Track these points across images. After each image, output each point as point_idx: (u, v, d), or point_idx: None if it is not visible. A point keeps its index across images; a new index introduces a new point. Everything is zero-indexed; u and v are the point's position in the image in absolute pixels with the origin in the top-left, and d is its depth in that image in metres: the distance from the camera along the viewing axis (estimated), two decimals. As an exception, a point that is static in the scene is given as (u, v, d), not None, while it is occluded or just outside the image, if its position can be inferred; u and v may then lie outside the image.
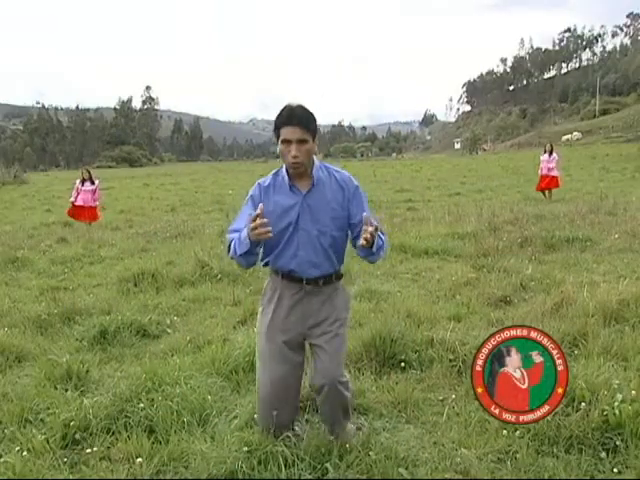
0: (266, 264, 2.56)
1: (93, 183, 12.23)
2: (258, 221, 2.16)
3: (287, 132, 2.28)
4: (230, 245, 2.43)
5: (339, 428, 2.59)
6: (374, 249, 2.31)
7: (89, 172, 12.60)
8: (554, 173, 13.91)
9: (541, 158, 14.31)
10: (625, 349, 3.61)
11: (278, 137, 2.34)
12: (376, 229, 2.24)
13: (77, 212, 12.21)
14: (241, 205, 2.59)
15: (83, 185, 12.20)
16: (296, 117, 2.28)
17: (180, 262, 7.24)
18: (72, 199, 12.25)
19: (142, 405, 2.97)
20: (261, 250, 2.44)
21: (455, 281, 5.71)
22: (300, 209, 2.40)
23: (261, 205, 2.21)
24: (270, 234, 2.19)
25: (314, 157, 2.43)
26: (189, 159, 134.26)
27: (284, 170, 2.44)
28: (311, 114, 2.33)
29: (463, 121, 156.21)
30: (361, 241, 2.24)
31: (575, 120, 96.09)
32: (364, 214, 2.26)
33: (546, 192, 14.00)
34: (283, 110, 2.31)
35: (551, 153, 14.11)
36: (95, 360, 4.00)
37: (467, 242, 7.84)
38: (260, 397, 2.58)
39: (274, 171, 2.51)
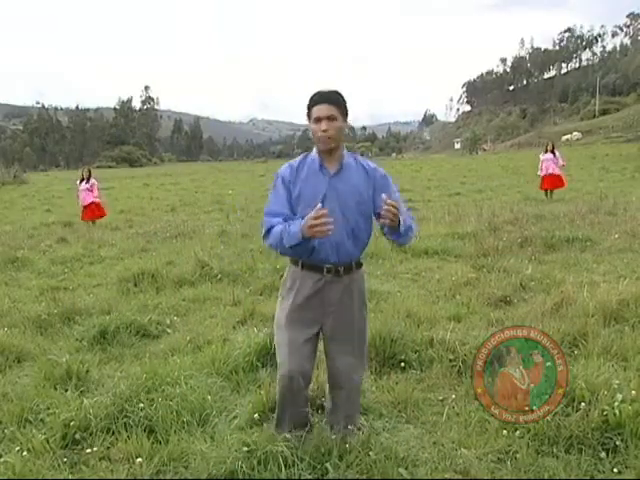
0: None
1: (88, 181, 12.39)
2: (319, 220, 2.16)
3: (318, 110, 2.37)
4: (269, 231, 2.39)
5: (345, 429, 2.60)
6: (402, 229, 2.31)
7: (89, 171, 12.74)
8: (558, 172, 13.82)
9: (542, 157, 14.18)
10: (625, 349, 3.61)
11: (310, 119, 2.41)
12: (395, 207, 2.22)
13: (88, 213, 12.51)
14: (272, 185, 2.54)
15: (81, 184, 12.38)
16: (326, 96, 2.38)
17: (180, 262, 7.24)
18: (81, 203, 12.53)
19: (142, 405, 2.97)
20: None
21: (455, 281, 5.71)
22: (327, 190, 2.41)
23: (320, 205, 2.22)
24: (330, 232, 2.20)
25: (344, 144, 2.48)
26: (189, 159, 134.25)
27: (314, 152, 2.49)
28: (341, 95, 2.41)
29: (463, 121, 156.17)
30: (384, 220, 2.24)
31: (575, 120, 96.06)
32: (383, 195, 2.25)
33: (549, 192, 13.94)
34: (314, 93, 2.41)
35: (553, 152, 14.03)
36: (95, 360, 4.00)
37: (467, 242, 7.85)
38: (279, 387, 2.57)
39: (304, 154, 2.55)
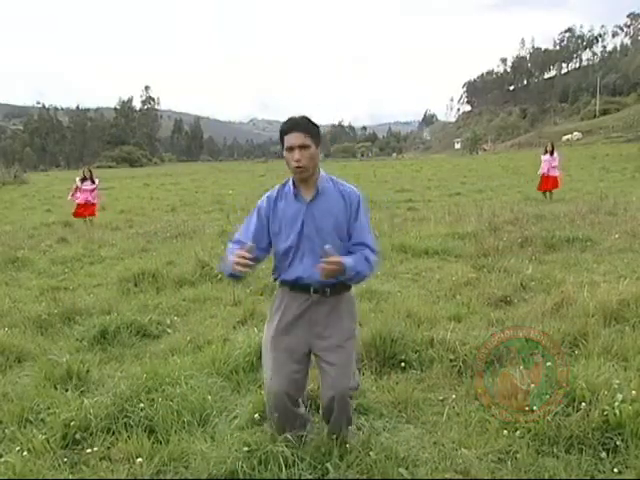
0: (276, 278, 2.58)
1: (93, 182, 12.42)
2: (242, 260, 2.25)
3: (290, 138, 2.36)
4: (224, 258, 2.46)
5: (341, 434, 2.59)
6: (349, 275, 2.35)
7: (90, 171, 12.76)
8: (555, 173, 13.87)
9: (542, 158, 14.19)
10: (625, 349, 3.61)
11: (283, 147, 2.41)
12: (333, 262, 2.25)
13: (79, 211, 12.49)
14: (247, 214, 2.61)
15: (83, 184, 12.38)
16: (298, 124, 2.37)
17: (180, 262, 7.25)
18: (70, 197, 12.54)
19: (142, 405, 2.97)
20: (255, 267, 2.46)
21: (455, 281, 5.71)
22: (304, 217, 2.43)
23: (250, 244, 2.32)
24: (245, 273, 2.29)
25: (320, 169, 2.48)
26: (189, 159, 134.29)
27: (290, 180, 2.49)
28: (313, 122, 2.41)
29: (463, 121, 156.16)
30: (321, 273, 2.29)
31: (575, 120, 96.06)
32: (326, 247, 2.28)
33: (547, 193, 13.97)
34: (286, 121, 2.41)
35: (552, 153, 14.06)
36: (95, 360, 4.00)
37: (467, 242, 7.84)
38: (267, 404, 2.61)
39: (282, 182, 2.55)
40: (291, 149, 2.36)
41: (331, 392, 2.48)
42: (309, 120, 2.40)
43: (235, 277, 2.41)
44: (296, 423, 2.59)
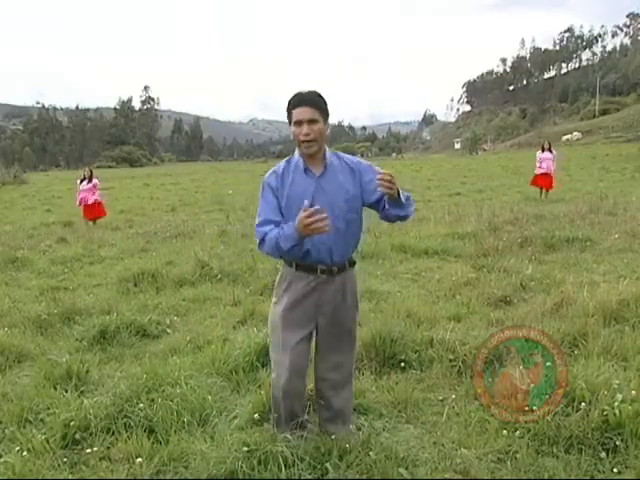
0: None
1: (91, 181, 12.43)
2: (314, 217, 2.16)
3: (298, 113, 2.34)
4: (264, 240, 2.40)
5: (339, 433, 2.60)
6: (403, 198, 2.30)
7: (90, 171, 12.78)
8: (550, 171, 13.84)
9: (540, 156, 14.12)
10: (625, 349, 3.61)
11: (290, 121, 2.39)
12: (392, 175, 2.21)
13: (87, 211, 12.55)
14: (258, 195, 2.54)
15: (81, 184, 12.41)
16: (306, 99, 2.35)
17: (180, 262, 7.24)
18: (77, 202, 12.56)
19: (142, 405, 2.97)
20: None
21: (455, 281, 5.71)
22: (315, 191, 2.41)
23: (306, 203, 2.21)
24: (328, 228, 2.19)
25: (325, 146, 2.46)
26: (189, 159, 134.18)
27: (297, 156, 2.48)
28: (321, 96, 2.38)
29: (463, 121, 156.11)
30: (383, 188, 2.21)
31: (575, 120, 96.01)
32: (377, 169, 2.26)
33: (542, 190, 13.96)
34: (294, 95, 2.38)
35: (551, 150, 14.05)
36: (95, 360, 4.00)
37: (467, 242, 7.84)
38: (274, 387, 2.60)
39: (286, 159, 2.54)
40: (300, 123, 2.33)
41: (330, 365, 2.53)
42: (318, 94, 2.38)
43: (296, 247, 2.31)
44: (297, 407, 2.59)
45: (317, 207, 2.20)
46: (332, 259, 2.45)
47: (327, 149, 2.48)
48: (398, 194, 2.27)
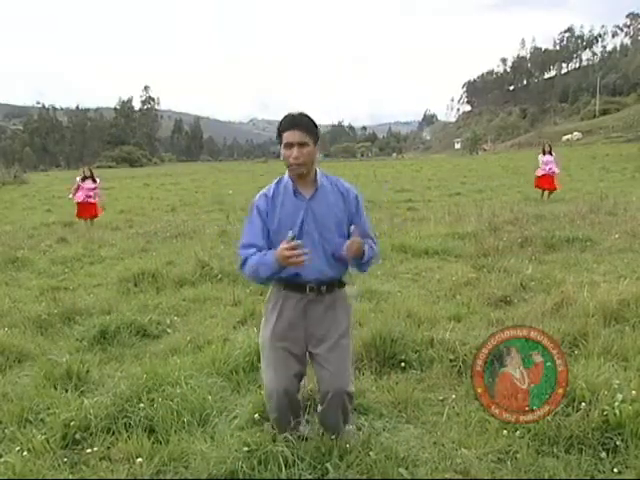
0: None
1: (95, 181, 12.42)
2: (293, 251, 2.22)
3: (288, 136, 2.35)
4: (245, 263, 2.43)
5: (338, 433, 2.59)
6: (364, 259, 2.43)
7: (91, 171, 12.76)
8: (553, 173, 13.89)
9: (542, 159, 14.15)
10: (625, 349, 3.61)
11: (280, 143, 2.40)
12: (359, 242, 2.34)
13: (80, 211, 12.45)
14: (246, 215, 2.58)
15: (84, 182, 12.37)
16: (297, 122, 2.36)
17: (180, 262, 7.25)
18: (71, 195, 12.53)
19: (142, 405, 2.97)
20: None
21: (455, 281, 5.71)
22: (304, 214, 2.42)
23: (292, 232, 2.28)
24: (306, 262, 2.26)
25: (316, 167, 2.47)
26: (189, 159, 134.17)
27: (287, 177, 2.48)
28: (312, 120, 2.40)
29: (463, 121, 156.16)
30: (347, 253, 2.33)
31: (575, 120, 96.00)
32: (352, 226, 2.36)
33: (545, 192, 13.99)
34: (285, 117, 2.40)
35: (551, 153, 14.08)
36: (95, 360, 4.00)
37: (467, 242, 7.84)
38: (267, 404, 2.63)
39: (276, 180, 2.53)
40: (290, 146, 2.35)
41: (327, 390, 2.49)
42: (308, 118, 2.39)
43: (276, 275, 2.39)
44: (294, 422, 2.59)
45: (298, 242, 2.24)
46: (320, 279, 2.45)
47: (318, 171, 2.49)
48: (362, 256, 2.40)
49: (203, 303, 5.53)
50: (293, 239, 2.25)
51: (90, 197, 12.39)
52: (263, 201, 2.48)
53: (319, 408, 2.70)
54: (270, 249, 2.39)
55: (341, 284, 2.56)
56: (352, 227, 2.36)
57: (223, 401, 3.22)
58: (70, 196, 12.75)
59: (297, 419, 2.64)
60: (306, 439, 2.57)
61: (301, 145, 2.34)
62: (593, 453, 2.53)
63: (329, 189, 2.48)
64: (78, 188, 12.40)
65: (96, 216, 12.66)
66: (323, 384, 2.52)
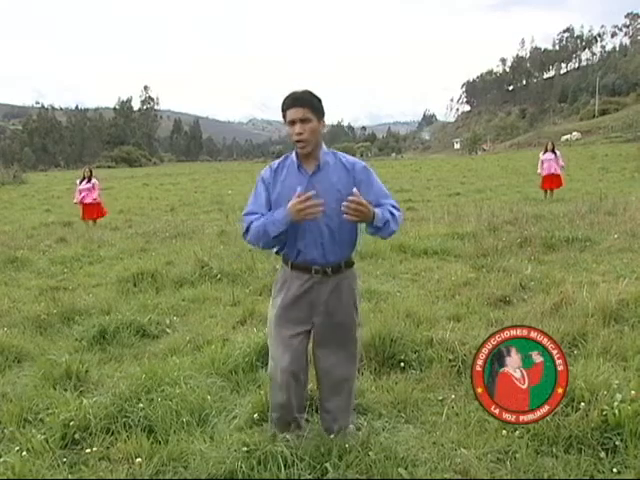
0: (278, 251, 2.56)
1: (90, 181, 12.45)
2: (307, 202, 2.21)
3: (291, 113, 2.36)
4: (249, 228, 2.43)
5: (340, 433, 2.59)
6: (378, 223, 2.32)
7: (90, 171, 12.78)
8: (559, 171, 13.88)
9: (542, 157, 14.13)
10: (624, 349, 3.61)
11: (285, 121, 2.41)
12: (360, 203, 2.22)
13: (87, 212, 12.52)
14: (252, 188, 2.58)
15: (81, 184, 12.42)
16: (299, 98, 2.37)
17: (179, 262, 7.24)
18: (75, 200, 12.55)
19: (141, 405, 2.97)
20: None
21: (455, 281, 5.71)
22: (305, 189, 2.38)
23: (300, 188, 2.29)
24: (320, 214, 2.25)
25: (322, 143, 2.47)
26: (188, 159, 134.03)
27: (293, 153, 2.49)
28: (314, 95, 2.39)
29: (463, 121, 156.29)
30: (347, 217, 2.26)
31: (574, 120, 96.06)
32: (354, 189, 2.27)
33: (548, 192, 13.98)
34: (287, 95, 2.39)
35: (554, 151, 14.06)
36: (94, 360, 4.00)
37: (467, 242, 7.84)
38: (272, 385, 2.61)
39: (284, 155, 2.56)
40: (293, 123, 2.35)
41: (325, 366, 2.53)
42: (311, 93, 2.39)
43: (280, 237, 2.37)
44: (293, 406, 2.59)
45: (310, 193, 2.24)
46: (326, 259, 2.44)
47: (324, 147, 2.48)
48: (373, 218, 2.29)
49: (202, 303, 5.53)
50: (306, 197, 2.23)
51: (88, 198, 12.41)
52: (267, 172, 2.51)
53: (320, 405, 2.70)
54: None
55: (348, 263, 2.54)
56: (354, 189, 2.26)
57: (222, 401, 3.21)
58: (75, 202, 12.79)
59: (300, 414, 2.64)
60: (305, 439, 2.57)
61: (303, 121, 2.34)
62: (592, 453, 2.53)
63: (333, 165, 2.47)
64: (80, 191, 12.45)
65: (101, 216, 12.70)
66: (320, 377, 2.56)
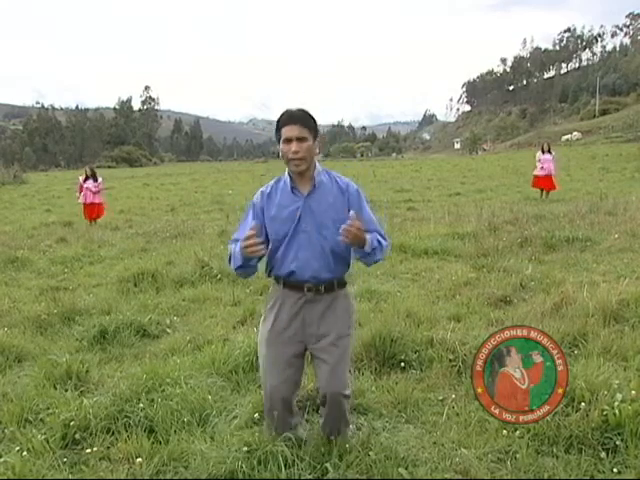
0: (269, 274, 2.55)
1: (96, 180, 12.44)
2: (251, 240, 2.22)
3: (287, 131, 2.33)
4: (230, 256, 2.45)
5: (339, 435, 2.59)
6: (367, 249, 2.33)
7: (92, 170, 12.78)
8: (551, 172, 13.91)
9: (542, 157, 14.11)
10: (625, 349, 3.61)
11: (279, 139, 2.38)
12: (359, 228, 2.24)
13: (87, 213, 12.54)
14: (244, 212, 2.58)
15: (86, 182, 12.40)
16: (295, 117, 2.34)
17: (180, 262, 7.24)
18: (79, 200, 12.53)
19: (142, 405, 2.97)
20: (258, 262, 2.43)
21: (455, 281, 5.71)
22: (302, 211, 2.39)
23: (254, 223, 2.31)
24: (262, 252, 2.27)
25: (316, 162, 2.45)
26: (189, 159, 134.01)
27: (286, 174, 2.46)
28: (310, 115, 2.38)
29: (463, 121, 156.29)
30: (344, 239, 2.25)
31: (575, 120, 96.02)
32: (351, 212, 2.27)
33: (544, 192, 14.01)
34: (283, 113, 2.38)
35: (550, 152, 14.09)
36: (95, 360, 4.01)
37: (467, 242, 7.84)
38: (264, 402, 2.61)
39: (276, 178, 2.52)
40: (289, 141, 2.33)
41: (324, 391, 2.49)
42: (307, 113, 2.37)
43: (246, 268, 2.39)
44: (289, 424, 2.59)
45: (253, 231, 2.24)
46: (318, 278, 2.42)
47: (318, 167, 2.45)
48: (364, 244, 2.30)
49: (203, 303, 5.53)
50: (256, 227, 2.27)
51: (94, 197, 12.41)
52: (259, 197, 2.48)
53: (321, 410, 2.70)
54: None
55: (341, 284, 2.52)
56: (351, 212, 2.26)
57: (223, 401, 3.21)
58: (79, 200, 12.80)
59: (293, 421, 2.63)
60: (305, 440, 2.57)
61: (300, 140, 2.32)
62: (593, 453, 2.53)
63: (328, 186, 2.45)
64: (81, 189, 12.45)
65: (100, 216, 12.69)
66: (321, 385, 2.52)
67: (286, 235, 2.41)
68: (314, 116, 2.39)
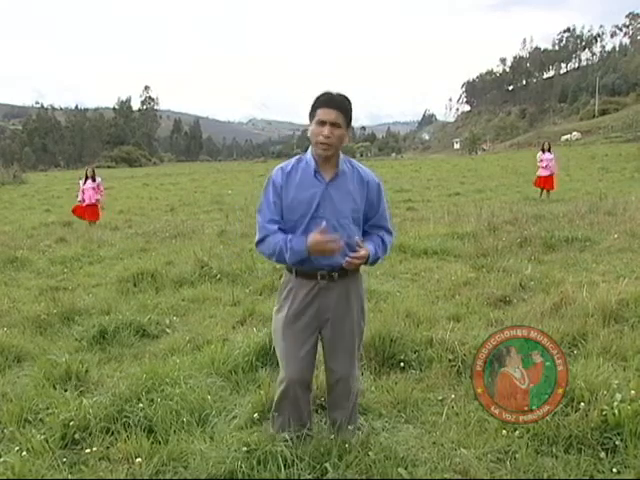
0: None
1: (94, 181, 12.42)
2: (326, 238, 2.23)
3: (323, 113, 2.29)
4: (264, 239, 2.39)
5: (344, 428, 2.59)
6: (369, 262, 2.42)
7: (93, 170, 12.77)
8: (553, 172, 13.93)
9: (543, 156, 14.10)
10: (624, 349, 3.61)
11: (312, 118, 2.34)
12: (363, 257, 2.33)
13: (82, 211, 12.46)
14: (262, 189, 2.51)
15: (85, 183, 12.38)
16: (335, 101, 2.30)
17: (179, 262, 7.24)
18: (79, 199, 12.52)
19: (141, 405, 2.97)
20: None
21: (454, 281, 5.71)
22: (321, 197, 2.36)
23: (324, 224, 2.27)
24: (338, 252, 2.28)
25: (340, 152, 2.42)
26: (188, 159, 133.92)
27: (309, 156, 2.42)
28: (349, 102, 2.35)
29: (462, 121, 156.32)
30: (346, 265, 2.34)
31: (574, 120, 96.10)
32: (356, 238, 2.34)
33: (544, 192, 14.02)
34: (323, 94, 2.33)
35: (549, 151, 14.10)
36: (94, 360, 4.00)
37: (466, 242, 7.84)
38: (281, 394, 2.57)
39: (297, 157, 2.48)
40: (322, 123, 2.28)
41: (336, 376, 2.52)
42: (347, 99, 2.34)
43: (301, 262, 2.37)
44: (303, 413, 2.57)
45: (334, 235, 2.26)
46: (332, 265, 2.40)
47: (341, 155, 2.42)
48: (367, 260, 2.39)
49: (202, 303, 5.53)
50: (324, 233, 2.25)
51: (90, 198, 12.38)
52: (279, 175, 2.42)
53: (328, 400, 2.70)
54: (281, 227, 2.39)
55: (354, 269, 2.51)
56: (357, 239, 2.31)
57: (222, 401, 3.21)
58: (79, 200, 12.77)
59: (309, 418, 2.62)
60: (306, 438, 2.57)
61: (333, 125, 2.28)
62: (592, 453, 2.53)
63: (350, 175, 2.43)
64: (83, 191, 12.42)
65: (94, 219, 12.59)
66: (333, 370, 2.54)
67: (303, 218, 2.37)
68: (351, 104, 2.35)
